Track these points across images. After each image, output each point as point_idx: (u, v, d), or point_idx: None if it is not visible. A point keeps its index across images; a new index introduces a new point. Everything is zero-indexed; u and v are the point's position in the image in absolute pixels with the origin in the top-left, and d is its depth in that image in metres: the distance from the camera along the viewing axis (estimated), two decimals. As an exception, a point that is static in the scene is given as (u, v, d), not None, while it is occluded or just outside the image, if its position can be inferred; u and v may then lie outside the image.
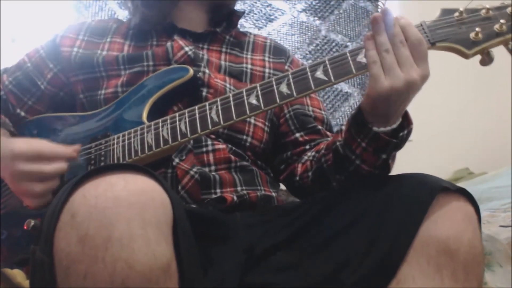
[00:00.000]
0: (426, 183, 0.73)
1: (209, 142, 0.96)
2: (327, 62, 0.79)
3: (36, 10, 1.70)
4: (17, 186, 0.83)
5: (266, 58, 1.12)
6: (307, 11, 2.09)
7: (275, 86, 0.80)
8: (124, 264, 0.56)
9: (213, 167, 0.95)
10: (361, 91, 2.01)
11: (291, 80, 0.80)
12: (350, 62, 0.77)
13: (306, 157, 1.02)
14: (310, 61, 1.97)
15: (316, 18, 2.09)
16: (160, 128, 0.86)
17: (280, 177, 1.08)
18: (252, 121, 1.03)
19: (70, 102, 1.06)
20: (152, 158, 0.86)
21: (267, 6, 2.04)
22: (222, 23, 1.12)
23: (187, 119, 0.85)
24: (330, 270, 0.74)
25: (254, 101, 0.81)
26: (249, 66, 1.09)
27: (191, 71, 0.94)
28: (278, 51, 1.15)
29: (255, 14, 2.01)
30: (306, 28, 2.07)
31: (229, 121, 0.82)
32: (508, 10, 0.75)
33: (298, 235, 0.81)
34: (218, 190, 0.93)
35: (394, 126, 0.78)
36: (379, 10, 1.98)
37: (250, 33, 1.19)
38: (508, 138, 2.19)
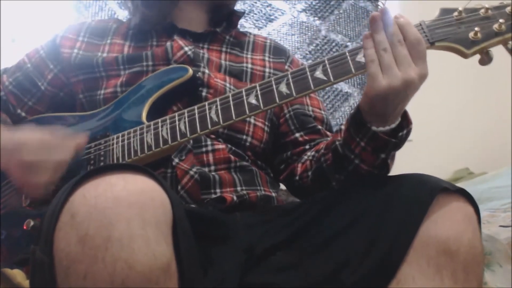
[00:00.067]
0: (426, 183, 0.73)
1: (209, 142, 0.96)
2: (326, 62, 0.79)
3: (36, 10, 1.70)
4: (22, 176, 0.83)
5: (266, 58, 1.12)
6: (307, 11, 2.10)
7: (274, 86, 0.80)
8: (124, 264, 0.56)
9: (212, 167, 0.95)
10: (361, 91, 2.01)
11: (290, 80, 0.80)
12: (350, 61, 0.77)
13: (306, 157, 1.02)
14: (310, 61, 1.98)
15: (316, 18, 2.10)
16: (160, 128, 0.86)
17: (280, 177, 1.08)
18: (252, 121, 1.03)
19: (70, 102, 1.06)
20: (151, 158, 0.86)
21: (267, 6, 2.04)
22: (222, 23, 1.12)
23: (186, 119, 0.84)
24: (330, 270, 0.74)
25: (253, 101, 0.81)
26: (249, 65, 1.09)
27: (190, 71, 0.94)
28: (278, 51, 1.16)
29: (255, 14, 2.01)
30: (306, 28, 2.07)
31: (229, 121, 0.82)
32: (507, 9, 0.75)
33: (298, 235, 0.81)
34: (218, 190, 0.93)
35: (393, 125, 0.79)
36: (379, 10, 1.98)
37: (250, 33, 1.19)
38: (508, 138, 2.19)
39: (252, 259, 0.80)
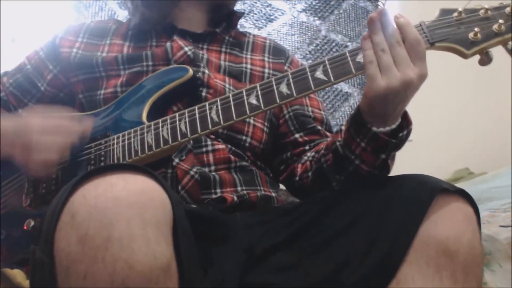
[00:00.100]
0: (426, 184, 0.73)
1: (209, 142, 0.96)
2: (326, 62, 0.79)
3: (36, 10, 1.70)
4: (30, 156, 0.83)
5: (266, 59, 1.12)
6: (307, 11, 2.10)
7: (275, 86, 0.80)
8: (124, 264, 0.56)
9: (213, 167, 0.95)
10: (361, 91, 2.01)
11: (290, 80, 0.80)
12: (350, 62, 0.77)
13: (305, 158, 1.02)
14: (310, 61, 1.98)
15: (316, 18, 2.10)
16: (160, 128, 0.86)
17: (280, 178, 1.08)
18: (252, 121, 1.03)
19: (70, 103, 1.06)
20: (152, 158, 0.86)
21: (267, 6, 2.04)
22: (222, 23, 1.12)
23: (187, 119, 0.85)
24: (330, 270, 0.74)
25: (254, 101, 0.81)
26: (249, 66, 1.09)
27: (191, 71, 0.94)
28: (277, 52, 1.16)
29: (255, 14, 2.01)
30: (306, 28, 2.07)
31: (229, 121, 0.82)
32: (507, 10, 0.75)
33: (298, 235, 0.81)
34: (218, 190, 0.93)
35: (393, 126, 0.79)
36: (377, 11, 1.98)
37: (250, 33, 1.19)
38: (508, 138, 2.19)
39: (252, 259, 0.80)
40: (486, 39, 0.76)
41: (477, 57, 0.78)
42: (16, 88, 1.06)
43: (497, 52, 0.77)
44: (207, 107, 0.84)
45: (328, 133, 1.08)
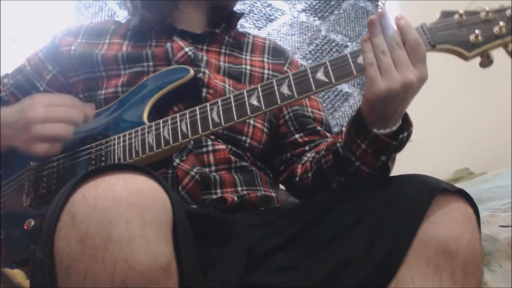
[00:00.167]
0: (426, 184, 0.73)
1: (209, 142, 0.96)
2: (327, 63, 0.79)
3: (36, 10, 1.70)
4: (36, 130, 0.83)
5: (265, 59, 1.12)
6: (307, 11, 2.09)
7: (276, 87, 0.81)
8: (124, 264, 0.56)
9: (213, 168, 0.95)
10: (361, 91, 2.01)
11: (292, 81, 0.80)
12: (351, 63, 0.78)
13: (305, 158, 1.02)
14: (310, 61, 1.97)
15: (316, 18, 2.09)
16: (161, 129, 0.86)
17: (280, 178, 1.08)
18: (252, 122, 1.03)
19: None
20: (152, 158, 0.86)
21: (267, 6, 2.04)
22: (221, 24, 1.12)
23: (188, 120, 0.85)
24: (330, 270, 0.74)
25: (255, 102, 0.81)
26: (248, 67, 1.09)
27: (192, 72, 0.94)
28: (277, 52, 1.16)
29: (255, 14, 2.01)
30: (306, 28, 2.07)
31: (230, 122, 0.82)
32: (508, 12, 0.76)
33: (299, 236, 0.81)
34: (218, 191, 0.93)
35: (394, 128, 0.79)
36: (379, 10, 1.98)
37: (249, 34, 1.19)
38: (508, 138, 2.19)
39: (253, 260, 0.80)
40: (487, 41, 0.76)
41: (477, 59, 0.78)
42: (17, 88, 1.06)
43: (497, 52, 0.78)
44: (208, 107, 0.84)
45: (328, 134, 1.08)
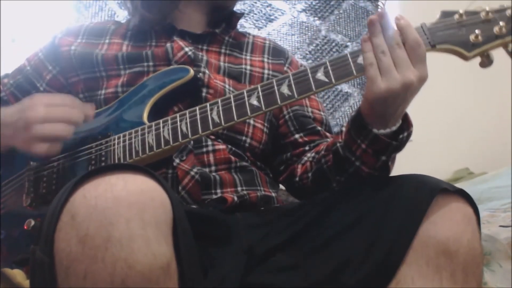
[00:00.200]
0: (426, 184, 0.73)
1: (209, 142, 0.96)
2: (327, 63, 0.79)
3: (36, 10, 1.70)
4: (36, 129, 0.83)
5: (265, 59, 1.12)
6: (307, 11, 2.09)
7: (276, 87, 0.81)
8: (124, 264, 0.56)
9: (213, 168, 0.95)
10: (361, 91, 2.01)
11: (292, 81, 0.80)
12: (351, 63, 0.78)
13: (305, 158, 1.02)
14: (310, 61, 1.97)
15: (316, 18, 2.09)
16: (161, 129, 0.86)
17: (280, 178, 1.08)
18: (252, 122, 1.03)
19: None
20: (152, 158, 0.86)
21: (267, 6, 2.04)
22: (221, 24, 1.12)
23: (188, 120, 0.85)
24: (330, 270, 0.74)
25: (255, 102, 0.81)
26: (248, 67, 1.09)
27: (192, 72, 0.94)
28: (277, 52, 1.16)
29: (255, 14, 2.01)
30: (306, 28, 2.07)
31: (230, 122, 0.82)
32: (508, 12, 0.76)
33: (299, 236, 0.81)
34: (218, 191, 0.93)
35: (394, 128, 0.79)
36: (379, 10, 1.98)
37: (249, 34, 1.19)
38: (508, 138, 2.19)
39: (253, 260, 0.80)
40: (487, 41, 0.76)
41: (477, 59, 0.78)
42: (16, 88, 1.06)
43: (497, 51, 0.78)
44: (208, 107, 0.84)
45: (328, 134, 1.08)
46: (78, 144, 0.91)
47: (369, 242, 0.72)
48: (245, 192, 0.94)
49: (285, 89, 0.80)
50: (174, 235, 0.62)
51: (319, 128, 1.08)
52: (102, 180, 0.61)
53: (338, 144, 0.86)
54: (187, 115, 0.85)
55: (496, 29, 0.75)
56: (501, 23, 0.75)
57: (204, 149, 0.96)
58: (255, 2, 2.02)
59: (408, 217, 0.70)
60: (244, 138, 1.01)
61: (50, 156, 0.89)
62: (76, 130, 0.87)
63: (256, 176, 1.00)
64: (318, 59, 1.99)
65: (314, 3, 2.11)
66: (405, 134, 0.80)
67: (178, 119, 0.85)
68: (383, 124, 0.78)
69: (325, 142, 1.01)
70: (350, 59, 0.78)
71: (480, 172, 2.17)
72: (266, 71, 1.10)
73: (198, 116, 0.84)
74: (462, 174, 2.28)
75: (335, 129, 1.36)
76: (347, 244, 0.74)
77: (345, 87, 2.04)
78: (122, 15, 1.74)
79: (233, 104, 0.82)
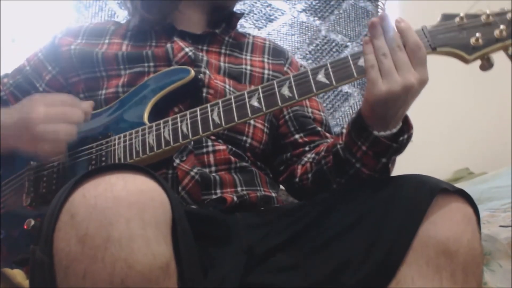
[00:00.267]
0: (425, 184, 0.73)
1: (210, 143, 0.96)
2: (328, 65, 0.79)
3: (36, 10, 1.70)
4: (39, 130, 0.83)
5: (265, 60, 1.12)
6: (307, 11, 2.09)
7: (276, 89, 0.81)
8: (124, 264, 0.56)
9: (213, 168, 0.95)
10: (361, 91, 2.01)
11: (292, 82, 0.80)
12: (352, 65, 0.78)
13: (305, 159, 1.02)
14: (310, 61, 1.97)
15: (316, 18, 2.09)
16: (162, 129, 0.86)
17: (280, 178, 1.08)
18: (252, 122, 1.03)
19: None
20: (153, 159, 0.86)
21: (267, 6, 2.04)
22: (221, 24, 1.12)
23: (188, 120, 0.85)
24: (330, 270, 0.74)
25: (255, 103, 0.81)
26: (248, 67, 1.09)
27: (192, 72, 0.94)
28: (277, 53, 1.16)
29: (255, 14, 2.00)
30: (306, 28, 2.07)
31: (231, 123, 0.82)
32: (508, 15, 0.76)
33: (299, 236, 0.81)
34: (218, 191, 0.93)
35: (394, 130, 0.79)
36: (379, 10, 1.98)
37: (249, 34, 1.19)
38: (508, 138, 2.19)
39: (253, 260, 0.80)
40: (487, 44, 0.76)
41: (478, 62, 0.78)
42: (16, 88, 1.06)
43: (497, 54, 0.78)
44: (209, 108, 0.84)
45: (328, 134, 1.08)
46: (78, 144, 0.91)
47: (369, 242, 0.72)
48: (245, 192, 0.94)
49: (285, 91, 0.80)
50: (173, 235, 0.62)
51: (319, 128, 1.08)
52: (102, 179, 0.61)
53: (338, 146, 0.86)
54: (188, 116, 0.85)
55: (496, 32, 0.75)
56: (502, 26, 0.75)
57: (204, 150, 0.96)
58: (255, 2, 2.01)
59: (408, 217, 0.70)
60: (244, 138, 1.01)
61: (55, 156, 0.88)
62: (77, 130, 0.87)
63: (256, 176, 1.00)
64: (318, 59, 1.99)
65: (314, 3, 2.11)
66: (406, 136, 0.80)
67: (178, 119, 0.85)
68: (383, 126, 0.78)
69: (325, 142, 1.01)
70: (351, 61, 0.78)
71: (480, 172, 2.17)
72: (266, 71, 1.10)
73: (198, 117, 0.84)
74: (462, 174, 2.27)
75: (335, 129, 1.36)
76: (347, 244, 0.74)
77: (345, 87, 2.04)
78: (122, 15, 1.74)
79: (233, 105, 0.83)
